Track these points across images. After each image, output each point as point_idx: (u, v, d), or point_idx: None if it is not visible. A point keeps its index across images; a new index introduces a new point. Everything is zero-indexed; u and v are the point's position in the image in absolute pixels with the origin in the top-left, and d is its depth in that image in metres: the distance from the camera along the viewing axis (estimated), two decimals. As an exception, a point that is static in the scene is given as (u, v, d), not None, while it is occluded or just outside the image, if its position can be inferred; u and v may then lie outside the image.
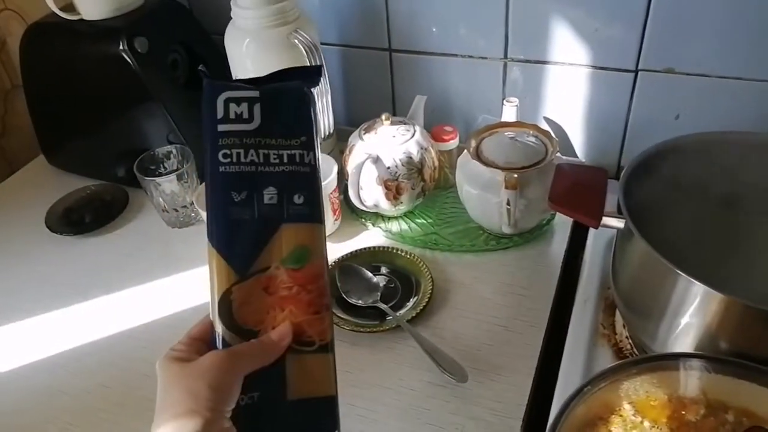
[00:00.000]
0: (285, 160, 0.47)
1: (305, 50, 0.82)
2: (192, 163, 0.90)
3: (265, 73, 0.49)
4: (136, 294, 0.85)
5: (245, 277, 0.46)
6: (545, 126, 0.96)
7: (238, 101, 0.46)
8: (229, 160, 0.46)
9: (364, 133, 0.86)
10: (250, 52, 0.84)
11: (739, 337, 0.59)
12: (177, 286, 0.85)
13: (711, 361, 0.60)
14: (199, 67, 0.50)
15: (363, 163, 0.81)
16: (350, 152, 0.86)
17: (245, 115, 0.46)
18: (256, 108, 0.47)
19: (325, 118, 0.87)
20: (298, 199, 0.47)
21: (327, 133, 0.88)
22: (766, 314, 0.55)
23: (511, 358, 0.72)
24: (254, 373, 0.45)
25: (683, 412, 0.58)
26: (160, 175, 0.91)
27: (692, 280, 0.57)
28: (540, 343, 0.73)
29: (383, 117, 0.86)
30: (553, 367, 0.71)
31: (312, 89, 0.49)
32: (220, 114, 0.46)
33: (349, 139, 0.88)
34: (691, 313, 0.60)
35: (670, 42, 0.83)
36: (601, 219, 0.65)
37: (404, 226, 0.90)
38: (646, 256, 0.61)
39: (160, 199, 0.90)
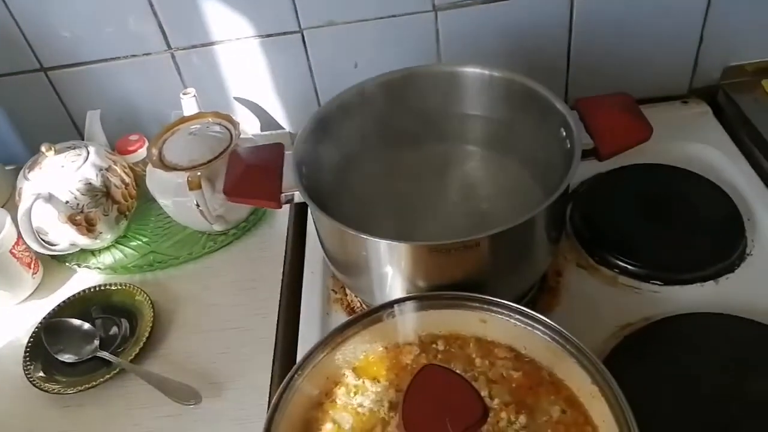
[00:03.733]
0: None
1: None
2: None
3: None
4: None
5: None
6: (238, 108, 0.92)
7: None
8: None
9: (29, 172, 0.76)
10: None
11: (431, 273, 0.61)
12: None
13: (416, 300, 0.61)
14: None
15: (30, 206, 0.71)
16: (20, 197, 0.76)
17: None
18: None
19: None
20: None
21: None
22: (442, 247, 0.57)
23: (249, 358, 0.69)
24: None
25: (400, 358, 0.60)
26: None
27: (375, 239, 0.57)
28: (274, 332, 0.71)
29: (44, 148, 0.76)
30: (295, 349, 0.70)
31: None
32: None
33: (16, 183, 0.77)
34: (389, 266, 0.61)
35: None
36: (279, 200, 0.63)
37: (118, 255, 0.83)
38: (330, 226, 0.61)
39: None
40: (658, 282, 0.69)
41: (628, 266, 0.71)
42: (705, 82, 0.92)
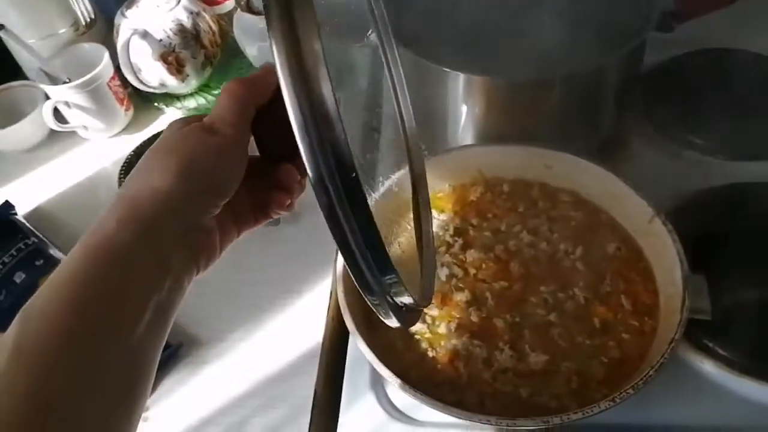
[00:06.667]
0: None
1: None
2: None
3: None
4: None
5: None
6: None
7: None
8: None
9: (127, 10, 0.80)
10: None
11: (503, 113, 0.64)
12: None
13: (483, 146, 0.65)
14: None
15: (129, 39, 0.77)
16: (117, 34, 0.81)
17: None
18: None
19: (80, 6, 0.80)
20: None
21: (85, 22, 0.81)
22: (517, 82, 0.60)
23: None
24: None
25: (465, 195, 0.64)
26: None
27: (455, 72, 0.60)
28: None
29: (141, -13, 0.80)
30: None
31: None
32: None
33: (115, 21, 0.82)
34: (464, 105, 0.63)
35: None
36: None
37: (201, 101, 0.88)
38: (412, 62, 0.63)
39: None
40: (723, 157, 0.70)
41: (695, 140, 0.72)
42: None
